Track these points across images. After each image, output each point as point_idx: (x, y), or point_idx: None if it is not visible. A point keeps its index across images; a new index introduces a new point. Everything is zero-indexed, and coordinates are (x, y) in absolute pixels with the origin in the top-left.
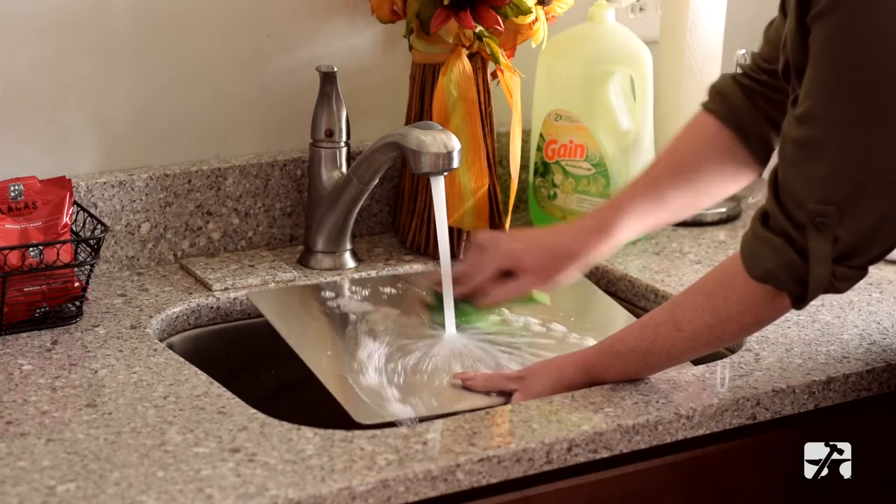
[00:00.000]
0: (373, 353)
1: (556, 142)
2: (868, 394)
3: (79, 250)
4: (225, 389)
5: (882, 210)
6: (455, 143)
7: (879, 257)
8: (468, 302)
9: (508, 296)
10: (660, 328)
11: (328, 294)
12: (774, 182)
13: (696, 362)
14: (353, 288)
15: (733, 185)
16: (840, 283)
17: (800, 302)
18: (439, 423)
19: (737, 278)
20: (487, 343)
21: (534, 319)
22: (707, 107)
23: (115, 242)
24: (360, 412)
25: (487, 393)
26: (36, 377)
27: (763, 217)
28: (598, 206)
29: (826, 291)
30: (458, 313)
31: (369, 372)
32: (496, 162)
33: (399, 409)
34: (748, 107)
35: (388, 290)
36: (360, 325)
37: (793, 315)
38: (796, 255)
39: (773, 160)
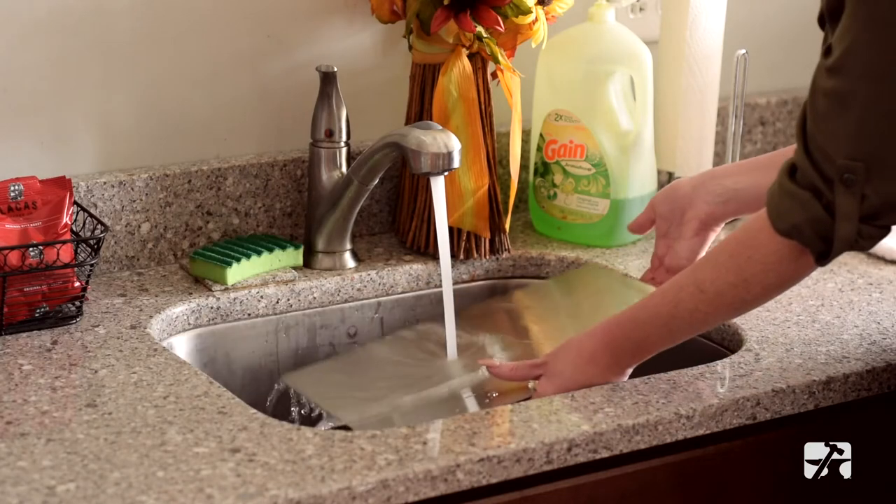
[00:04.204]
0: (374, 380)
1: (556, 142)
2: (868, 394)
3: (79, 250)
4: (225, 389)
5: None
6: (455, 143)
7: None
8: None
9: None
10: (682, 291)
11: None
12: (803, 134)
13: (697, 361)
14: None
15: None
16: (864, 241)
17: (823, 258)
18: (439, 423)
19: (761, 236)
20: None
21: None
22: None
23: (115, 242)
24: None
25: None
26: (36, 377)
27: (791, 170)
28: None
29: (850, 249)
30: None
31: (372, 402)
32: (496, 162)
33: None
34: None
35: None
36: (360, 353)
37: (793, 315)
38: (823, 211)
39: None
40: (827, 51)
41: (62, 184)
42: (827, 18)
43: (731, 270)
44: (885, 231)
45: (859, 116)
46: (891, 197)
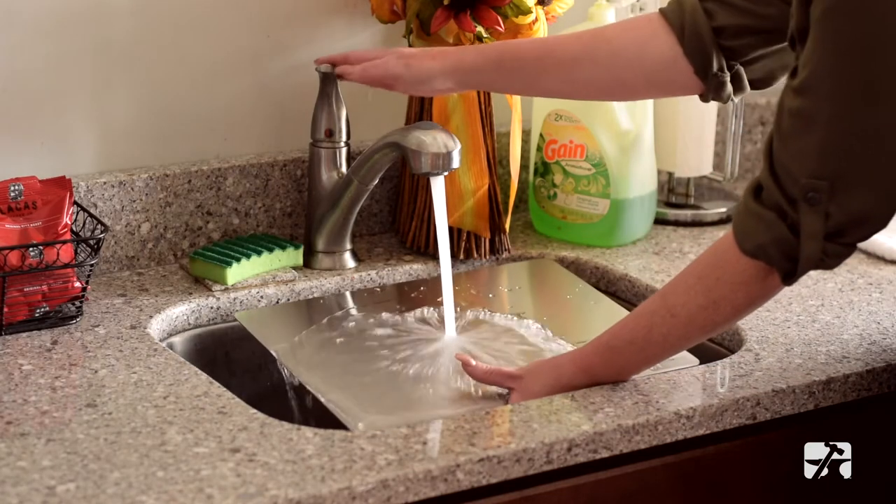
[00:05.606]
0: (374, 365)
1: (556, 142)
2: (868, 394)
3: (79, 250)
4: (225, 389)
5: (874, 189)
6: (455, 143)
7: (870, 235)
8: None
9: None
10: (654, 316)
11: (319, 310)
12: (769, 153)
13: (697, 362)
14: (345, 302)
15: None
16: (830, 259)
17: (789, 278)
18: (439, 423)
19: (728, 256)
20: (487, 342)
21: (535, 324)
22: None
23: (115, 242)
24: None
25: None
26: (36, 377)
27: (756, 189)
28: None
29: (816, 268)
30: None
31: (371, 385)
32: (496, 162)
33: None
34: (698, 9)
35: (380, 296)
36: (355, 339)
37: (793, 315)
38: (787, 231)
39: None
40: (793, 71)
41: (62, 184)
42: (796, 39)
43: (700, 293)
44: (852, 248)
45: (823, 136)
46: (855, 214)
